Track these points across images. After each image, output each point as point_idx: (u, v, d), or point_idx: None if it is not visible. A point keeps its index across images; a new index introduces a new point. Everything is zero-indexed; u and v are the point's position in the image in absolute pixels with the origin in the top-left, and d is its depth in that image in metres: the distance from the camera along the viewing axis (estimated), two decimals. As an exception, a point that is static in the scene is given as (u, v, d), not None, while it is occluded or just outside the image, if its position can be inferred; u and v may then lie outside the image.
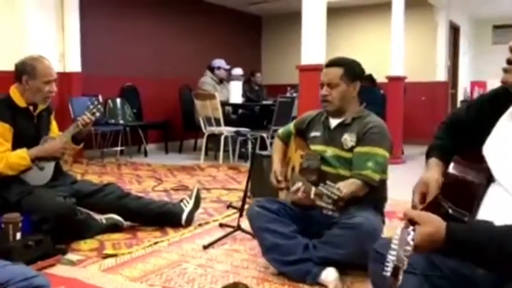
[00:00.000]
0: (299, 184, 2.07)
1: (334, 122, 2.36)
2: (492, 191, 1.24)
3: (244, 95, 6.85)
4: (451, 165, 1.40)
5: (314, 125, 2.45)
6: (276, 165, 2.50)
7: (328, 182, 1.91)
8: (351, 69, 2.32)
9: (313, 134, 2.43)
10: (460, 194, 1.32)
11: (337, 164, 2.28)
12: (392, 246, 1.04)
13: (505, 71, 1.25)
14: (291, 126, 2.61)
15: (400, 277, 1.00)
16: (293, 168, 2.43)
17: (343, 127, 2.32)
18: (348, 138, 2.27)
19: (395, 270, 1.00)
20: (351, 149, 2.26)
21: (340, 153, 2.28)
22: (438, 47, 8.10)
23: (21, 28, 5.30)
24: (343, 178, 2.22)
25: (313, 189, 1.95)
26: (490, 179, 1.26)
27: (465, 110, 1.51)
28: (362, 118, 2.31)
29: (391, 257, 1.01)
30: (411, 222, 1.12)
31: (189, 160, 6.26)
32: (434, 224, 1.12)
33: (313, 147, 2.38)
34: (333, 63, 2.35)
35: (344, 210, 2.09)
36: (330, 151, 2.31)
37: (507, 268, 1.13)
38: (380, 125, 2.29)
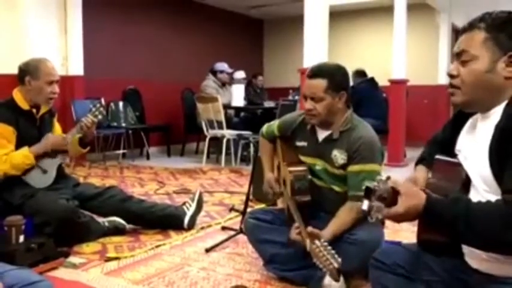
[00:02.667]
0: (296, 225, 2.02)
1: (321, 135, 2.22)
2: (471, 194, 1.29)
3: (246, 98, 6.86)
4: (430, 173, 1.45)
5: (299, 134, 2.31)
6: (269, 174, 2.41)
7: (324, 243, 1.76)
8: (336, 80, 2.12)
9: (299, 143, 2.30)
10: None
11: (328, 178, 2.20)
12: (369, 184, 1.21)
13: (451, 94, 1.32)
14: (275, 128, 2.45)
15: (375, 202, 1.17)
16: (284, 182, 2.32)
17: (331, 142, 2.17)
18: (338, 156, 2.14)
19: (368, 191, 1.17)
20: (342, 167, 2.15)
21: (332, 170, 2.18)
22: (440, 50, 8.09)
23: (23, 32, 5.32)
24: (337, 194, 2.18)
25: (308, 242, 1.81)
26: (469, 180, 1.32)
27: (442, 130, 1.58)
28: (350, 131, 2.15)
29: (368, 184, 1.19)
30: (394, 190, 1.20)
31: (191, 163, 6.26)
32: (416, 197, 1.19)
33: (302, 157, 2.28)
34: (316, 74, 2.13)
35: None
36: (319, 164, 2.22)
37: (474, 245, 1.20)
38: (369, 139, 2.13)
